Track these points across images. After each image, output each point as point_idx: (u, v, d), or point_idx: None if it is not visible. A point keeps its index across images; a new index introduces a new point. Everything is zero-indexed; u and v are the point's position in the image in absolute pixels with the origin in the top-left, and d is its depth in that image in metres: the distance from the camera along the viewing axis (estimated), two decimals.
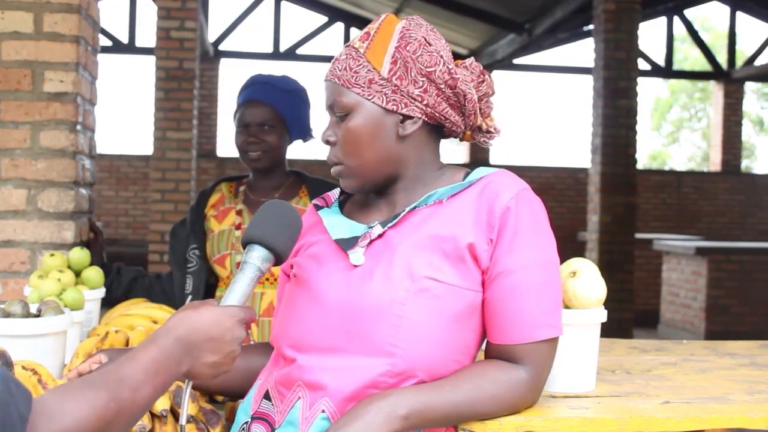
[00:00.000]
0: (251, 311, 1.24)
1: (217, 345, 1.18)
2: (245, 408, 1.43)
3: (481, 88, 1.43)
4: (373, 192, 1.45)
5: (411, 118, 1.38)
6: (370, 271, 1.34)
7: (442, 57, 1.38)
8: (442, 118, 1.39)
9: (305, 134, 2.55)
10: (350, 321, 1.31)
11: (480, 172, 1.41)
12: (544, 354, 1.34)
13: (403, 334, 1.29)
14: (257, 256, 1.27)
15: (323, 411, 1.29)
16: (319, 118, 1.49)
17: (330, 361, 1.31)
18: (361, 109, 1.37)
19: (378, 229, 1.37)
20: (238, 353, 1.21)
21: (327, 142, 1.42)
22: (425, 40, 1.38)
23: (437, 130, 1.43)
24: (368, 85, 1.36)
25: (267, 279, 2.44)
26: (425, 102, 1.37)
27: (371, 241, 1.37)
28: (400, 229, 1.36)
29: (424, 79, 1.37)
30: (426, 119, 1.39)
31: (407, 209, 1.38)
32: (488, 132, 1.46)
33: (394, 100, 1.36)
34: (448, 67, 1.38)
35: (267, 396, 1.38)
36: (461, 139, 1.49)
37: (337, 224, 1.42)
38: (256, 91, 2.46)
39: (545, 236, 1.36)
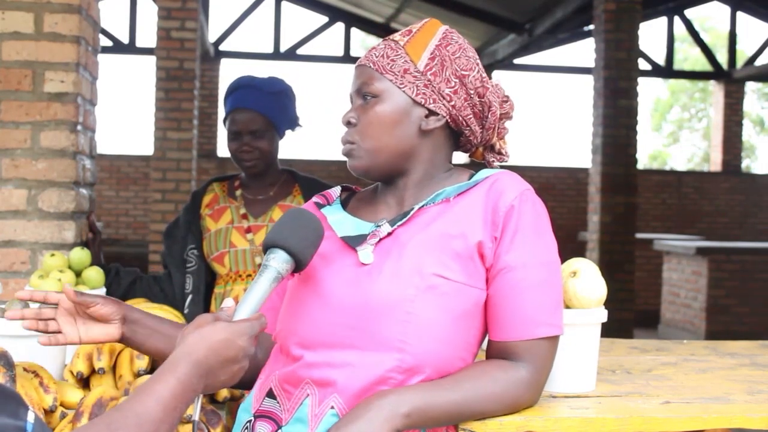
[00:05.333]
0: (263, 322, 1.23)
1: (230, 365, 1.18)
2: (246, 407, 1.42)
3: (504, 107, 1.46)
4: (376, 179, 1.45)
5: (436, 114, 1.40)
6: (378, 268, 1.34)
7: (477, 64, 1.43)
8: (464, 124, 1.42)
9: (293, 125, 2.58)
10: (359, 318, 1.32)
11: (485, 172, 1.42)
12: (545, 352, 1.34)
13: (412, 331, 1.30)
14: (278, 260, 1.27)
15: (332, 407, 1.30)
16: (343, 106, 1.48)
17: (339, 357, 1.32)
18: (390, 96, 1.39)
19: (387, 227, 1.37)
20: (246, 366, 1.21)
21: (348, 123, 1.42)
22: (465, 45, 1.43)
23: (454, 137, 1.45)
24: (402, 74, 1.38)
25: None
26: (453, 103, 1.40)
27: (380, 240, 1.37)
28: (408, 227, 1.37)
29: (457, 80, 1.40)
30: (449, 120, 1.41)
31: (416, 207, 1.39)
32: (499, 153, 1.49)
33: (424, 93, 1.39)
34: (481, 75, 1.42)
35: (270, 394, 1.38)
36: (471, 155, 1.51)
37: (342, 222, 1.43)
38: (244, 97, 2.47)
39: (546, 236, 1.37)
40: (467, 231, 1.34)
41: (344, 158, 1.44)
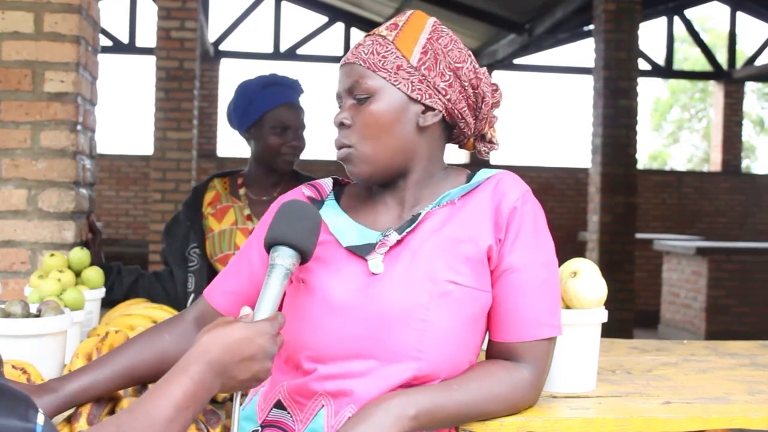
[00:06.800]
0: (280, 321, 1.20)
1: (249, 364, 1.15)
2: (249, 416, 1.40)
3: (495, 95, 1.43)
4: (378, 183, 1.41)
5: (433, 110, 1.37)
6: (390, 276, 1.32)
7: (469, 55, 1.40)
8: (459, 116, 1.39)
9: None
10: (374, 328, 1.30)
11: (486, 172, 1.41)
12: (545, 353, 1.35)
13: (427, 339, 1.29)
14: (282, 256, 1.24)
15: (350, 418, 1.28)
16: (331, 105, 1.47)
17: (354, 368, 1.30)
18: (385, 94, 1.35)
19: (395, 236, 1.34)
20: (270, 368, 1.18)
21: (341, 125, 1.38)
22: (454, 37, 1.40)
23: (448, 130, 1.43)
24: (396, 70, 1.35)
25: None
26: (448, 96, 1.37)
27: (390, 248, 1.34)
28: (417, 232, 1.35)
29: (451, 73, 1.37)
30: (445, 115, 1.38)
31: (423, 212, 1.36)
32: (490, 142, 1.47)
33: (419, 89, 1.35)
34: (474, 66, 1.39)
35: (279, 405, 1.36)
36: (461, 146, 1.49)
37: (346, 229, 1.39)
38: (291, 94, 2.51)
39: (545, 237, 1.37)
40: (477, 235, 1.33)
41: None
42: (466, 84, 1.38)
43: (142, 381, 1.44)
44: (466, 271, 1.32)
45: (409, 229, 1.35)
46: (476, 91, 1.39)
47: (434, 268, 1.31)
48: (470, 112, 1.41)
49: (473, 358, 1.36)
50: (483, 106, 1.41)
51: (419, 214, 1.36)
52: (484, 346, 1.41)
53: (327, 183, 1.50)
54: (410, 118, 1.36)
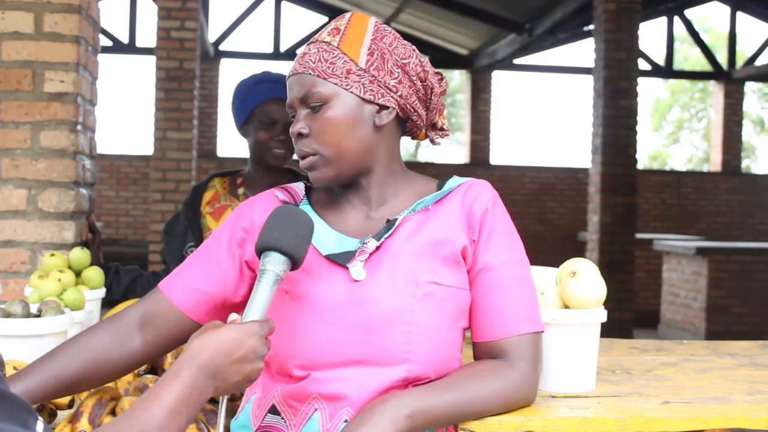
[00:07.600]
0: (271, 325, 1.20)
1: (240, 365, 1.15)
2: (244, 423, 1.41)
3: (442, 84, 1.46)
4: (342, 185, 1.43)
5: (387, 108, 1.40)
6: (374, 282, 1.34)
7: (414, 50, 1.43)
8: (412, 110, 1.42)
9: None
10: (362, 333, 1.32)
11: (456, 180, 1.45)
12: (533, 348, 1.37)
13: (415, 340, 1.32)
14: (274, 262, 1.24)
15: (346, 420, 1.30)
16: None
17: (347, 373, 1.32)
18: (339, 99, 1.37)
19: (373, 243, 1.37)
20: (261, 368, 1.19)
21: (299, 135, 1.39)
22: (397, 34, 1.43)
23: (402, 125, 1.46)
24: (346, 75, 1.37)
25: None
26: (399, 93, 1.40)
27: (369, 255, 1.36)
28: (394, 237, 1.38)
29: (400, 70, 1.40)
30: (398, 111, 1.41)
31: (400, 218, 1.39)
32: (441, 129, 1.51)
33: (371, 90, 1.38)
34: (420, 60, 1.43)
35: (273, 411, 1.37)
36: (414, 137, 1.51)
37: (323, 237, 1.39)
38: (281, 88, 2.48)
39: (516, 237, 1.42)
40: (451, 237, 1.37)
41: None
42: (415, 78, 1.41)
43: (77, 389, 1.39)
44: (446, 271, 1.36)
45: (386, 235, 1.37)
46: (425, 84, 1.43)
47: (415, 271, 1.34)
48: (421, 105, 1.44)
49: (458, 354, 1.39)
50: (432, 97, 1.45)
51: (396, 219, 1.39)
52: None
53: (299, 187, 1.50)
54: (366, 118, 1.38)
